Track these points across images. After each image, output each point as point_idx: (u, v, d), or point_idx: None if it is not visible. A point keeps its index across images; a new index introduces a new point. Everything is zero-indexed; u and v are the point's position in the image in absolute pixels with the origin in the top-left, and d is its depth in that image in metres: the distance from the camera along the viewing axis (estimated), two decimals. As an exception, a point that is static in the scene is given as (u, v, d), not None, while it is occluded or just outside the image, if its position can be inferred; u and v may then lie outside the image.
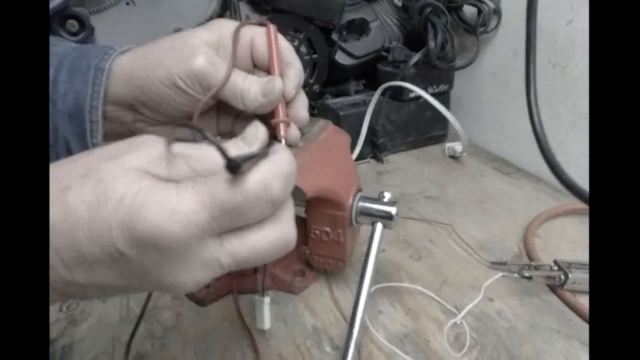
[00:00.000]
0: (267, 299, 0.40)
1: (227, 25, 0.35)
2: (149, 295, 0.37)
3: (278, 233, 0.24)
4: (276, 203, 0.23)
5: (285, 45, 0.36)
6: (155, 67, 0.33)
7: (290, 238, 0.25)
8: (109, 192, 0.22)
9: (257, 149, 0.25)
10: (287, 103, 0.36)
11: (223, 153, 0.22)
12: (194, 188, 0.22)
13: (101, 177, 0.22)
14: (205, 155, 0.24)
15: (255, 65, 0.37)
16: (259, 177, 0.22)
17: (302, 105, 0.37)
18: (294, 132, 0.37)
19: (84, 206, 0.22)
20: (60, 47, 0.35)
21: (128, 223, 0.21)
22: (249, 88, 0.34)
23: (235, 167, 0.22)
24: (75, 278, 0.23)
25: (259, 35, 0.35)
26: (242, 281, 0.46)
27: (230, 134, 0.39)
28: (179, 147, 0.24)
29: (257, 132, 0.25)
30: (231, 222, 0.23)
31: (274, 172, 0.23)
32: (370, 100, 0.72)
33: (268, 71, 0.36)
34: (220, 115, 0.39)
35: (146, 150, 0.24)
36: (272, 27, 0.36)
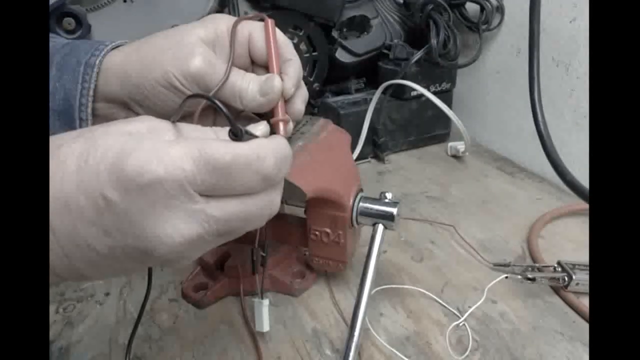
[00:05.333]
0: (265, 301, 0.40)
1: (223, 21, 0.34)
2: (147, 297, 0.36)
3: (266, 199, 0.26)
4: (268, 179, 0.25)
5: (283, 41, 0.35)
6: (151, 66, 0.32)
7: (276, 205, 0.27)
8: (98, 142, 0.23)
9: (260, 133, 0.28)
10: (286, 100, 0.35)
11: (229, 118, 0.24)
12: (186, 142, 0.23)
13: (92, 134, 0.24)
14: (205, 134, 0.27)
15: (252, 62, 0.36)
16: (253, 145, 0.24)
17: (300, 100, 0.36)
18: (290, 126, 0.36)
19: (74, 157, 0.23)
20: (50, 43, 0.35)
21: (116, 165, 0.22)
22: (247, 87, 0.34)
23: (237, 134, 0.24)
24: (60, 242, 0.23)
25: (256, 31, 0.35)
26: (240, 283, 0.45)
27: None
28: (179, 125, 0.27)
29: (260, 125, 0.30)
30: (218, 182, 0.23)
31: (270, 147, 0.24)
32: (371, 99, 0.71)
33: (266, 67, 0.35)
34: (217, 114, 0.38)
35: (141, 121, 0.26)
36: (270, 22, 0.35)
